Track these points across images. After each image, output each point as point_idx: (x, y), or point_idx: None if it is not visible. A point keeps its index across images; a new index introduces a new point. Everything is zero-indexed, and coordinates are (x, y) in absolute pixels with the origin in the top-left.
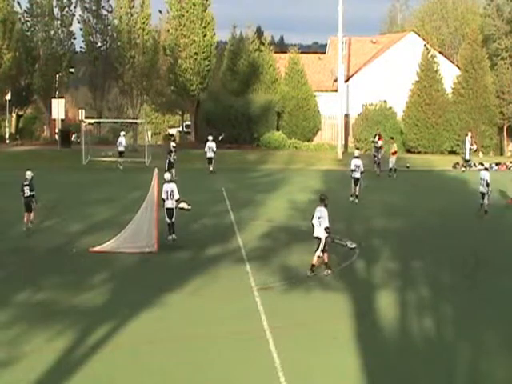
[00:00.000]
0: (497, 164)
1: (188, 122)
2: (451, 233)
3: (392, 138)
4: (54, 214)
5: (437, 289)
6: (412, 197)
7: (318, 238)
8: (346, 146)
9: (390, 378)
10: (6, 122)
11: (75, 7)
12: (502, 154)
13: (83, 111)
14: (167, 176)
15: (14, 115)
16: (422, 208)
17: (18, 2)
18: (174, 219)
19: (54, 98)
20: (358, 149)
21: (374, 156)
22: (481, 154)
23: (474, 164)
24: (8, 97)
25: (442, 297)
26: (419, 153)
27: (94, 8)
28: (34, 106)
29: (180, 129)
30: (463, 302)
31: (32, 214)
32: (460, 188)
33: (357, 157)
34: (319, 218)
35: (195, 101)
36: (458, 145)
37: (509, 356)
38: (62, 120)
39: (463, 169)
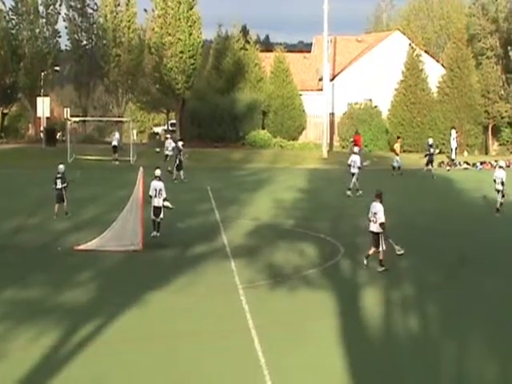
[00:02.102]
0: (481, 163)
1: (173, 121)
2: (437, 231)
3: (398, 138)
4: (39, 212)
5: (422, 287)
6: (398, 195)
7: (374, 233)
8: (331, 144)
9: (376, 376)
10: None
11: (60, 5)
12: (487, 153)
13: (68, 109)
14: (158, 172)
15: None
16: (407, 206)
17: (3, 2)
18: (161, 217)
19: (39, 96)
20: (356, 145)
21: (428, 155)
22: (465, 153)
23: (459, 163)
24: None
25: (427, 295)
26: (404, 152)
27: (79, 6)
28: (19, 104)
29: (165, 127)
30: (449, 300)
31: (65, 205)
32: (446, 187)
33: (355, 153)
34: (374, 213)
35: (180, 99)
36: (443, 144)
37: (493, 353)
38: (47, 118)
39: (448, 168)
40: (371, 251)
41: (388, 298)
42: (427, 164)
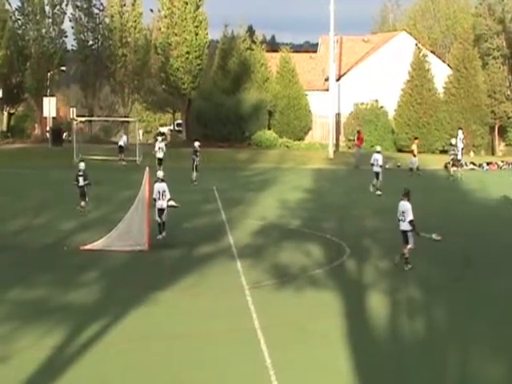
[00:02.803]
0: (488, 164)
1: (179, 121)
2: (443, 232)
3: (416, 138)
4: (45, 211)
5: (428, 289)
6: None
7: (404, 232)
8: (337, 145)
9: (382, 377)
10: None
11: (66, 5)
12: (493, 154)
13: (74, 109)
14: (160, 174)
15: (6, 113)
16: (414, 207)
17: (9, 2)
18: (164, 219)
19: (46, 96)
20: (378, 145)
21: (452, 155)
22: (472, 154)
23: (466, 163)
24: None
25: (433, 296)
26: (411, 152)
27: (85, 6)
28: (26, 104)
29: (171, 127)
30: (456, 301)
31: (82, 203)
32: (452, 187)
33: (378, 151)
34: (403, 212)
35: (186, 99)
36: (449, 144)
37: (500, 356)
38: (54, 118)
39: (454, 168)
40: (407, 253)
41: (394, 298)
42: (453, 165)
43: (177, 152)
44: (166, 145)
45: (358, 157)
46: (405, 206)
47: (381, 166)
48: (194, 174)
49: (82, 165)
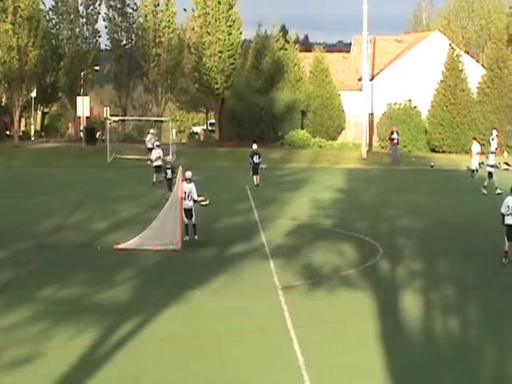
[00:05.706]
0: None
1: (212, 120)
2: (477, 232)
3: (475, 139)
4: (79, 211)
5: (462, 289)
6: (437, 196)
7: (510, 226)
8: (370, 145)
9: (415, 377)
10: (32, 119)
11: (100, 5)
12: None
13: (108, 109)
14: (188, 174)
15: (40, 112)
16: (447, 207)
17: (43, 2)
18: (194, 220)
19: (79, 95)
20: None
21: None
22: (505, 154)
23: (499, 163)
24: (33, 94)
25: (466, 297)
26: (444, 152)
27: (119, 6)
28: (59, 104)
29: (204, 127)
30: (489, 302)
31: (169, 193)
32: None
33: (492, 152)
34: None
35: (220, 99)
36: (483, 144)
37: None
38: (87, 117)
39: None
40: (507, 247)
41: (428, 298)
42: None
43: (210, 151)
44: (159, 156)
45: (394, 156)
46: None
47: (492, 166)
48: (259, 176)
49: (169, 158)
